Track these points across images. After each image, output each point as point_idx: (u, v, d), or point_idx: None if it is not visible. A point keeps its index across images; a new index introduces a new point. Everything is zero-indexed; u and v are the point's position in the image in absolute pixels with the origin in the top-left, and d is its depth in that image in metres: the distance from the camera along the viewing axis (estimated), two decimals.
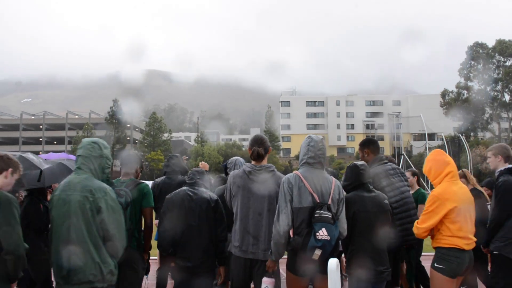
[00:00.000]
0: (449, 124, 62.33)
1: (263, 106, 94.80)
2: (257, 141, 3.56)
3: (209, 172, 4.98)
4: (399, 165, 5.23)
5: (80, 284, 2.84)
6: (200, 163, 5.50)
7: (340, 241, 3.38)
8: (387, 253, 3.49)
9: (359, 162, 3.73)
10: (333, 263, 2.96)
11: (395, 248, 3.80)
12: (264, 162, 3.54)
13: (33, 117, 79.82)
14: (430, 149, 46.57)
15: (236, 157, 4.74)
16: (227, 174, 4.53)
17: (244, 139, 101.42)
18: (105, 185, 3.02)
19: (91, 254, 2.85)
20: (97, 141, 3.17)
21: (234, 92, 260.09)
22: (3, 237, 2.70)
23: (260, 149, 3.51)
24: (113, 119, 61.48)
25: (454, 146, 49.86)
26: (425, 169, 3.58)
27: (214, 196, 3.84)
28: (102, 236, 2.91)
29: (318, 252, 3.00)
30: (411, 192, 4.73)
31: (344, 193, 3.42)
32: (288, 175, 3.34)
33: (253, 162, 3.55)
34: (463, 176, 4.86)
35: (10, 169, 2.98)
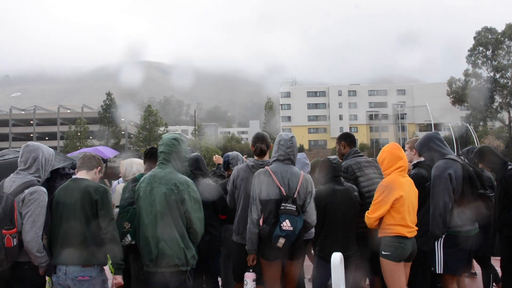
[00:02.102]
0: (456, 114, 62.21)
1: (262, 97, 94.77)
2: (259, 139, 4.09)
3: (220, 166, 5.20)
4: None
5: (168, 267, 3.29)
6: (214, 156, 5.58)
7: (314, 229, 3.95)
8: (355, 240, 4.00)
9: (332, 157, 4.22)
10: (336, 257, 3.37)
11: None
12: (266, 157, 4.08)
13: (23, 112, 79.77)
14: None
15: (236, 153, 5.17)
16: (227, 168, 5.02)
17: (243, 132, 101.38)
18: (187, 178, 3.52)
19: (177, 241, 3.31)
20: (176, 137, 3.63)
21: (232, 83, 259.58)
22: (101, 222, 3.19)
23: (263, 145, 4.05)
24: (107, 113, 61.44)
25: (462, 137, 49.83)
26: (379, 158, 4.00)
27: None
28: (186, 224, 3.38)
29: (282, 241, 3.45)
30: None
31: (313, 186, 3.82)
32: (259, 170, 3.79)
33: (256, 158, 4.08)
34: None
35: (100, 167, 3.51)
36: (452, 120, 58.23)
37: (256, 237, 3.62)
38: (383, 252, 3.73)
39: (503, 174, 4.18)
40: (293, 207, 3.51)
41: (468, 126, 47.90)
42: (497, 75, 50.97)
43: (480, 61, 52.01)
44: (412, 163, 4.43)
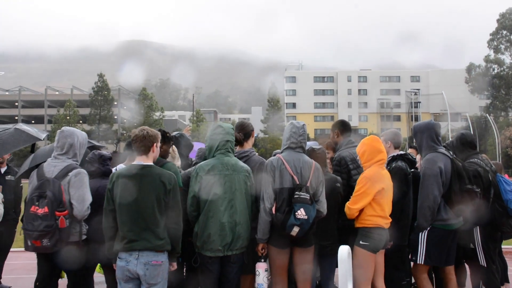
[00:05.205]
0: (475, 103, 61.97)
1: (266, 82, 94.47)
2: (237, 127, 4.34)
3: None
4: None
5: (241, 249, 3.76)
6: None
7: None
8: (335, 230, 4.29)
9: (317, 147, 4.51)
10: (344, 251, 3.63)
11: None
12: (248, 146, 4.31)
13: (7, 93, 79.49)
14: (453, 131, 46.42)
15: None
16: None
17: (245, 119, 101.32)
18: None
19: (248, 223, 3.81)
20: (233, 127, 4.08)
21: (233, 66, 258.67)
22: (171, 211, 3.46)
23: (240, 134, 4.23)
24: (98, 95, 61.40)
25: (481, 128, 49.67)
26: (359, 151, 4.24)
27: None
28: (251, 206, 3.89)
29: (296, 229, 3.67)
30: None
31: (323, 175, 4.05)
32: (271, 158, 4.03)
33: (237, 147, 4.25)
34: None
35: (156, 143, 3.63)
36: (470, 109, 58.03)
37: (268, 226, 3.81)
38: (361, 242, 4.00)
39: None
40: (307, 196, 3.72)
41: (488, 116, 47.66)
42: None
43: (503, 46, 51.58)
44: (389, 156, 4.59)
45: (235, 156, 4.11)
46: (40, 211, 3.55)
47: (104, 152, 4.46)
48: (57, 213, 3.57)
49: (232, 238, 3.69)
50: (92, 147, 5.01)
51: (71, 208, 3.70)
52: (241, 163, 3.92)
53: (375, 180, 3.98)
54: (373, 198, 3.98)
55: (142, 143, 3.52)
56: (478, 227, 4.66)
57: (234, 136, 3.98)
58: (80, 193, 3.72)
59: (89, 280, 4.26)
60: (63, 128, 4.01)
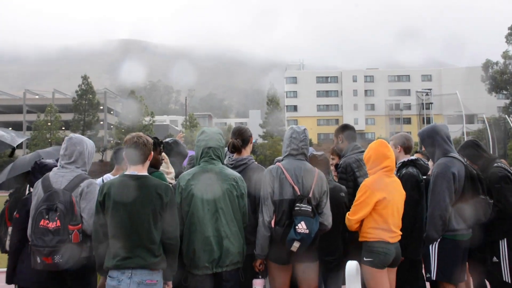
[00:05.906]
0: (492, 103, 62.13)
1: (264, 83, 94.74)
2: (234, 133, 4.29)
3: None
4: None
5: (231, 265, 3.68)
6: None
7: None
8: (340, 244, 4.28)
9: (318, 153, 4.52)
10: (352, 266, 3.62)
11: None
12: (246, 153, 4.23)
13: None
14: (468, 134, 46.38)
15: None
16: None
17: (242, 124, 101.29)
18: (237, 173, 3.94)
19: (239, 236, 3.74)
20: (220, 131, 4.02)
21: (230, 66, 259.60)
22: (167, 225, 3.43)
23: (237, 140, 4.16)
24: (82, 99, 61.52)
25: (499, 130, 49.65)
26: (365, 156, 4.21)
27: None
28: (242, 219, 3.81)
29: (296, 245, 3.63)
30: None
31: (328, 185, 4.01)
32: (270, 167, 4.00)
33: (234, 155, 4.24)
34: None
35: (151, 154, 3.62)
36: (487, 110, 58.05)
37: (267, 241, 3.79)
38: (365, 259, 3.91)
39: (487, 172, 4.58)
40: (309, 208, 3.68)
41: (507, 118, 47.71)
42: None
43: None
44: (399, 161, 4.59)
45: (231, 164, 4.13)
46: (51, 225, 3.48)
47: (48, 161, 4.34)
48: (70, 227, 3.51)
49: (220, 253, 3.63)
50: None
51: (82, 221, 3.62)
52: (228, 170, 3.86)
53: (375, 189, 3.90)
54: (374, 208, 3.91)
55: (142, 151, 3.48)
56: (505, 239, 4.54)
57: (221, 141, 3.92)
58: (91, 205, 3.63)
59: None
60: (71, 135, 3.97)
